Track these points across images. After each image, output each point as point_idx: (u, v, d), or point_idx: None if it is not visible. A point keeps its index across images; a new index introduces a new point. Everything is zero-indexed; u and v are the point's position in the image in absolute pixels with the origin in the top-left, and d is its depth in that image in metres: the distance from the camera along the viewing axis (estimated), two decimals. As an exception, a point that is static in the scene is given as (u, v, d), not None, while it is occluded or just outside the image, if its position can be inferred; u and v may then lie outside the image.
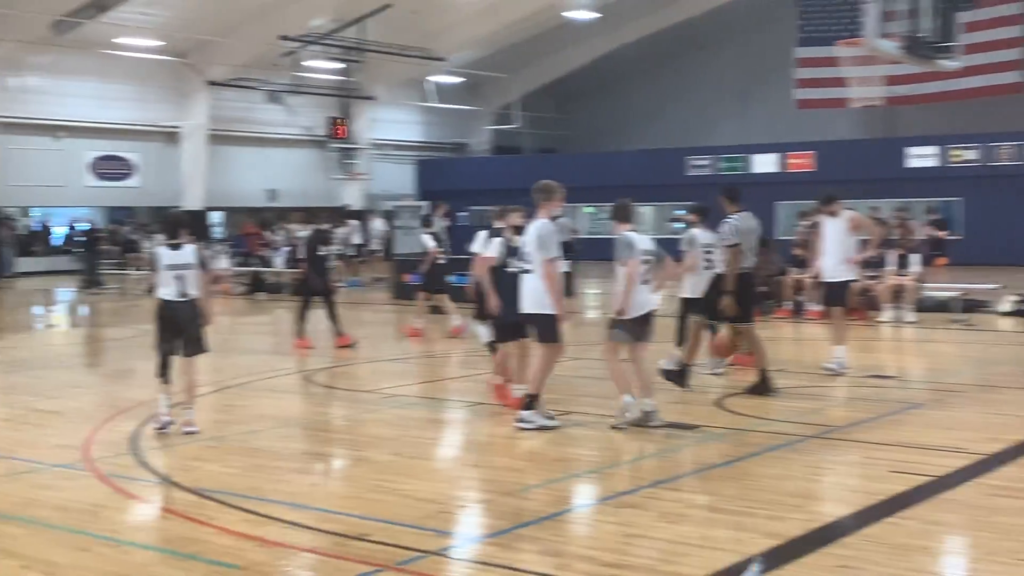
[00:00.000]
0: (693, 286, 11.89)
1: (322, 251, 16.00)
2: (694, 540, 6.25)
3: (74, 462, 8.51)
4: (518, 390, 9.90)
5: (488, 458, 8.84)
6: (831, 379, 12.26)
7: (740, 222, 11.49)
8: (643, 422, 9.43)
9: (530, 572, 5.81)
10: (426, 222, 20.58)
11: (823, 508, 7.11)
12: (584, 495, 7.66)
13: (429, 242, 17.39)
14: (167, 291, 9.46)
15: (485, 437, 9.42)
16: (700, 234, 11.91)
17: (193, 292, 9.49)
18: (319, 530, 6.61)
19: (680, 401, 10.87)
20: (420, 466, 8.47)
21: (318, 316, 15.82)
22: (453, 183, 42.80)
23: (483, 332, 11.82)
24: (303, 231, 30.83)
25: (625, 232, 9.61)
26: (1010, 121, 35.45)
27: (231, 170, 39.64)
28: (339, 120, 38.54)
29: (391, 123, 44.24)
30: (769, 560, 5.95)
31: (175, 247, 9.55)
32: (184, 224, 9.91)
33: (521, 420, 9.43)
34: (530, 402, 9.46)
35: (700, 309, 11.79)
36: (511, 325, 10.09)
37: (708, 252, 11.75)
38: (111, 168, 36.97)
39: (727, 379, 12.15)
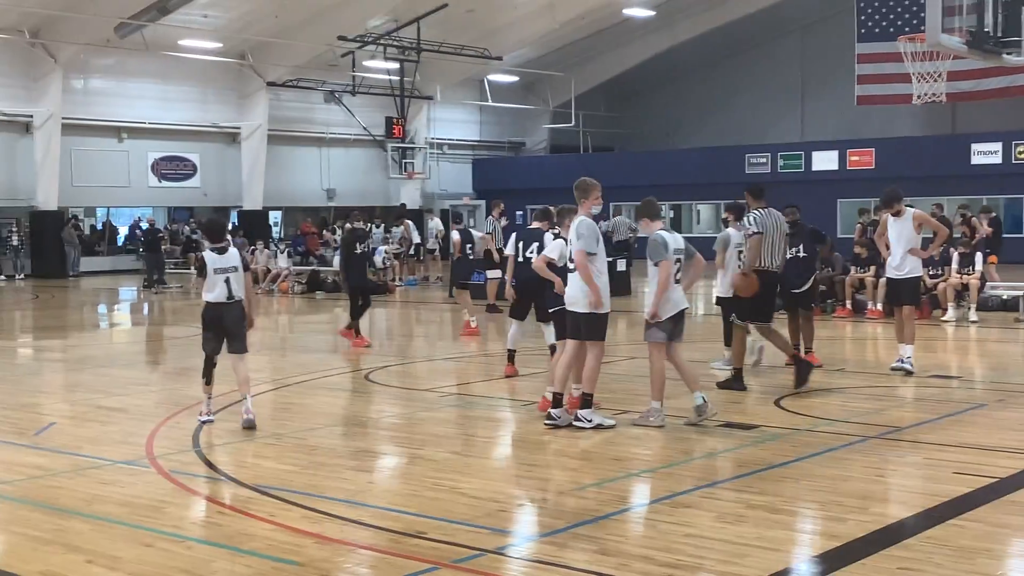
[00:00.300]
0: (729, 286, 12.04)
1: (359, 249, 16.14)
2: (752, 541, 6.20)
3: (138, 458, 8.64)
4: (550, 391, 9.84)
5: (544, 457, 8.84)
6: (893, 379, 12.11)
7: (762, 217, 11.51)
8: (696, 418, 9.47)
9: (587, 571, 5.80)
10: (456, 219, 21.03)
11: (884, 510, 7.02)
12: (641, 494, 7.63)
13: (455, 235, 18.04)
14: (217, 294, 9.72)
15: (542, 436, 9.42)
16: (735, 234, 12.02)
17: (239, 294, 9.76)
18: (376, 527, 6.66)
19: (738, 401, 10.81)
20: (477, 464, 8.50)
21: (379, 314, 15.90)
22: (510, 182, 42.87)
23: (515, 333, 12.31)
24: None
25: (657, 231, 9.64)
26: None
27: (290, 170, 40.04)
28: (396, 120, 38.77)
29: (448, 122, 44.42)
30: (829, 562, 5.89)
31: (221, 251, 9.83)
32: (226, 228, 10.11)
33: (577, 419, 9.44)
34: (586, 400, 9.47)
35: (735, 309, 11.81)
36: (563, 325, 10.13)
37: (742, 251, 11.79)
38: (173, 168, 37.51)
39: (785, 379, 12.03)
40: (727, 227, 12.58)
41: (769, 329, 11.72)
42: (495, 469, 8.61)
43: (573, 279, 9.53)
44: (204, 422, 9.86)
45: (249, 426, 9.67)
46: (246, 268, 9.95)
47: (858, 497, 7.18)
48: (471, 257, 17.84)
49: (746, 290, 11.40)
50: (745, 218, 11.71)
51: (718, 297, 12.88)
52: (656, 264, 9.56)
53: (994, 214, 23.82)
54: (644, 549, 6.14)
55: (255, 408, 9.84)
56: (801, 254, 13.18)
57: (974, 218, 22.35)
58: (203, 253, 10.06)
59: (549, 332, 11.15)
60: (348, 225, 18.18)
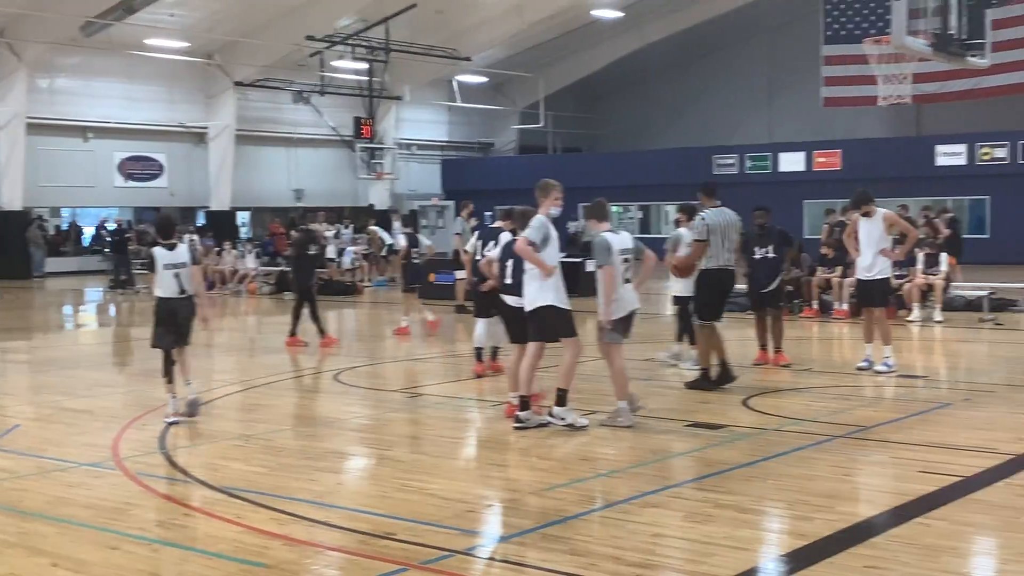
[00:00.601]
0: (684, 284, 12.29)
1: (312, 251, 16.16)
2: (720, 540, 6.23)
3: (103, 460, 8.57)
4: (513, 396, 9.84)
5: (513, 457, 8.84)
6: (860, 379, 12.21)
7: (711, 217, 11.59)
8: (609, 420, 9.67)
9: (555, 572, 5.80)
10: (406, 222, 21.22)
11: (851, 508, 7.06)
12: (609, 494, 7.64)
13: (401, 240, 18.19)
14: (168, 289, 9.99)
15: (510, 436, 9.42)
16: (686, 233, 12.27)
17: (190, 289, 10.04)
18: (345, 529, 6.63)
19: (706, 401, 10.85)
20: (446, 465, 8.48)
21: (348, 315, 15.86)
22: (479, 183, 42.86)
23: (480, 332, 12.40)
24: (330, 231, 31.07)
25: (602, 233, 9.66)
26: (1039, 118, 35.18)
27: (258, 170, 39.87)
28: (365, 120, 38.68)
29: (417, 123, 44.35)
30: (797, 560, 5.93)
31: (171, 247, 10.10)
32: (176, 224, 10.31)
33: (551, 416, 9.46)
34: (561, 398, 9.48)
35: (696, 310, 11.97)
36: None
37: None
38: (139, 168, 37.25)
39: (753, 379, 12.10)
40: (679, 227, 12.82)
41: (712, 330, 11.71)
42: (464, 470, 8.60)
43: (528, 280, 9.53)
44: (171, 423, 9.85)
45: (192, 409, 9.93)
46: (195, 263, 10.23)
47: (825, 496, 7.22)
48: (416, 261, 17.82)
49: (685, 272, 11.63)
50: (696, 218, 11.77)
51: (674, 296, 13.00)
52: (600, 268, 9.59)
53: (950, 215, 24.07)
54: (613, 549, 6.15)
55: (223, 410, 9.79)
56: (770, 255, 13.28)
57: (936, 219, 22.60)
58: (153, 249, 10.23)
59: (501, 331, 11.13)
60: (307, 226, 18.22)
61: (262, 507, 7.06)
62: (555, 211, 9.60)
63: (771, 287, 13.23)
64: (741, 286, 13.06)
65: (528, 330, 9.66)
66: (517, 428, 9.46)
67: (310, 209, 38.55)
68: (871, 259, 12.56)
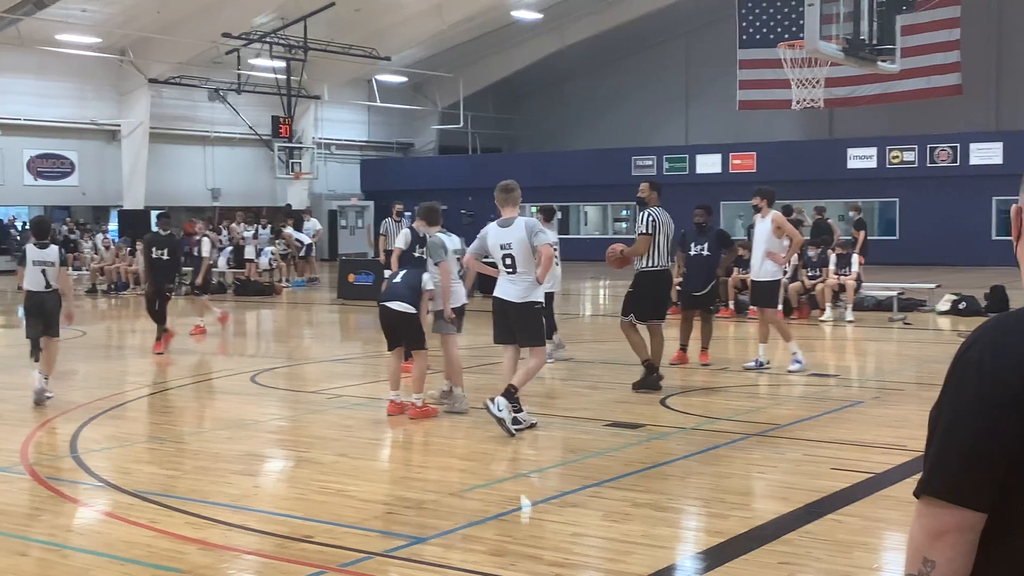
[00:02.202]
0: (555, 282, 12.84)
1: (155, 255, 15.86)
2: (638, 539, 6.28)
3: (11, 465, 8.37)
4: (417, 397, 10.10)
5: (432, 458, 8.82)
6: (775, 378, 12.40)
7: (656, 216, 11.52)
8: (440, 400, 10.34)
9: (475, 572, 5.80)
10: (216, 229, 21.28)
11: (765, 505, 7.17)
12: (529, 494, 7.67)
13: (205, 249, 18.43)
14: (35, 283, 10.96)
15: (430, 438, 9.40)
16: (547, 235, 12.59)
17: (56, 284, 10.97)
18: (262, 532, 6.56)
19: (625, 400, 10.94)
20: (365, 467, 8.44)
21: (266, 316, 15.66)
22: (399, 183, 42.69)
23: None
24: (248, 231, 30.71)
25: (436, 234, 10.47)
26: (947, 123, 36.09)
27: (173, 169, 39.22)
28: (283, 119, 38.28)
29: (336, 122, 44.02)
30: (713, 558, 6.00)
31: (42, 246, 11.09)
32: (50, 227, 11.90)
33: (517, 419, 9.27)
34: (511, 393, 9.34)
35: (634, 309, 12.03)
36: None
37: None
38: (50, 166, 36.42)
39: (673, 378, 12.22)
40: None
41: (658, 329, 11.72)
42: (383, 471, 8.57)
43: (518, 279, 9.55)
44: (42, 399, 10.74)
45: (39, 401, 10.69)
46: (63, 264, 11.08)
47: (740, 494, 7.32)
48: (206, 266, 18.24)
49: (618, 263, 11.75)
50: (644, 212, 11.68)
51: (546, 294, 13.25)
52: (437, 264, 10.25)
53: (860, 217, 24.56)
54: (532, 549, 6.17)
55: (136, 412, 9.61)
56: (705, 252, 13.32)
57: (830, 220, 23.20)
58: (26, 246, 11.47)
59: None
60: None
61: (177, 511, 6.95)
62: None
63: (704, 291, 13.27)
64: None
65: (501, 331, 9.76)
66: (516, 430, 9.16)
67: (227, 209, 38.12)
68: (760, 260, 12.63)
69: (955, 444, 1.83)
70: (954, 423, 1.84)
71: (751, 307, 13.13)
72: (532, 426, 9.40)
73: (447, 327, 10.29)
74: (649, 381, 11.33)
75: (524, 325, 9.48)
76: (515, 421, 9.18)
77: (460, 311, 10.52)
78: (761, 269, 12.63)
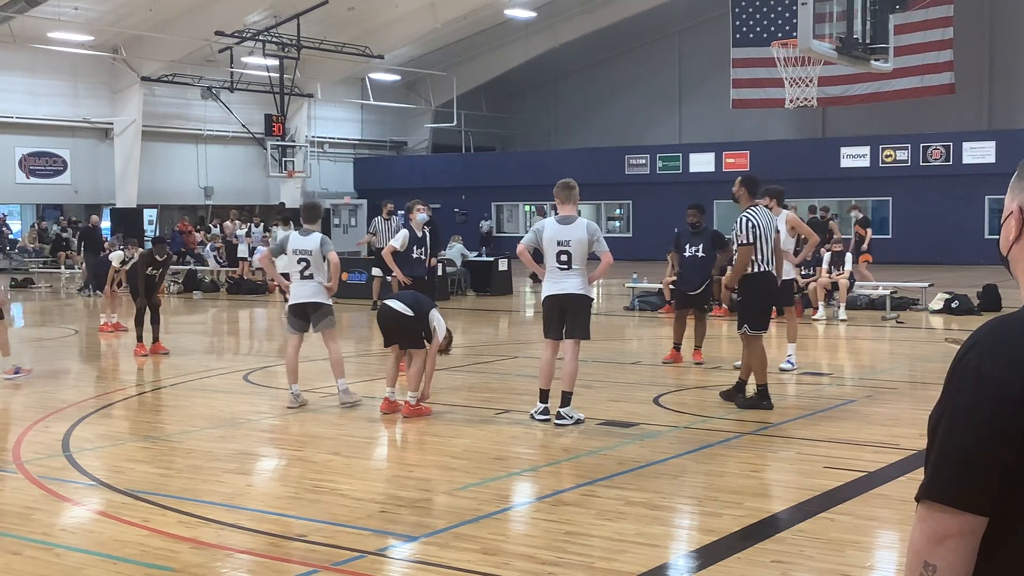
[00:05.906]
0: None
1: (150, 272, 15.68)
2: (632, 537, 6.28)
3: (4, 464, 8.35)
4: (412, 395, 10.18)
5: (426, 457, 8.81)
6: (768, 377, 12.39)
7: (758, 216, 10.85)
8: (346, 399, 10.60)
9: (468, 571, 5.80)
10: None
11: (759, 504, 7.18)
12: (522, 493, 7.67)
13: (116, 261, 17.16)
14: None
15: (423, 436, 9.39)
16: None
17: None
18: (255, 531, 6.55)
19: (618, 399, 10.94)
20: (358, 466, 8.43)
21: (259, 315, 15.62)
22: (391, 181, 42.71)
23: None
24: (240, 229, 30.67)
25: (288, 232, 11.19)
26: (940, 122, 36.18)
27: (166, 167, 39.17)
28: (276, 117, 38.24)
29: (329, 121, 44.00)
30: (706, 556, 6.01)
31: None
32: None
33: (559, 418, 9.64)
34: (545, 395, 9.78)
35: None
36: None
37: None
38: (42, 164, 36.34)
39: (665, 376, 12.23)
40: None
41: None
42: (376, 470, 8.56)
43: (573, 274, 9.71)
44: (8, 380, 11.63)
45: None
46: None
47: (733, 492, 7.33)
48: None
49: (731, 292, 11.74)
50: (740, 216, 10.96)
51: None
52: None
53: (863, 215, 24.63)
54: (525, 547, 6.17)
55: (128, 411, 9.59)
56: (700, 254, 13.34)
57: (832, 220, 23.21)
58: None
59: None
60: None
61: (169, 510, 6.94)
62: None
63: (698, 291, 13.31)
64: (655, 285, 13.25)
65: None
66: (558, 424, 9.57)
67: (220, 207, 38.07)
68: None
69: (955, 449, 1.82)
70: (954, 428, 1.84)
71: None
72: (579, 422, 9.64)
73: (330, 322, 10.75)
74: (760, 403, 10.35)
75: (580, 316, 9.74)
76: (559, 416, 9.62)
77: (296, 309, 10.78)
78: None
